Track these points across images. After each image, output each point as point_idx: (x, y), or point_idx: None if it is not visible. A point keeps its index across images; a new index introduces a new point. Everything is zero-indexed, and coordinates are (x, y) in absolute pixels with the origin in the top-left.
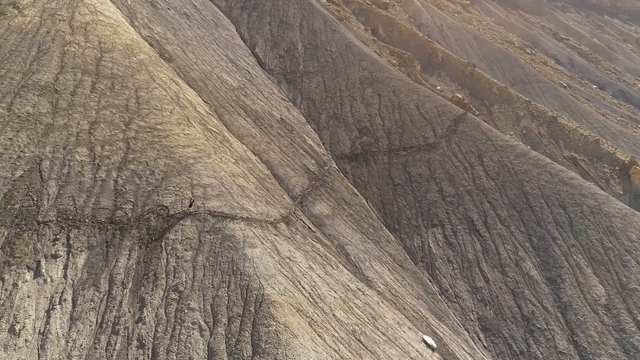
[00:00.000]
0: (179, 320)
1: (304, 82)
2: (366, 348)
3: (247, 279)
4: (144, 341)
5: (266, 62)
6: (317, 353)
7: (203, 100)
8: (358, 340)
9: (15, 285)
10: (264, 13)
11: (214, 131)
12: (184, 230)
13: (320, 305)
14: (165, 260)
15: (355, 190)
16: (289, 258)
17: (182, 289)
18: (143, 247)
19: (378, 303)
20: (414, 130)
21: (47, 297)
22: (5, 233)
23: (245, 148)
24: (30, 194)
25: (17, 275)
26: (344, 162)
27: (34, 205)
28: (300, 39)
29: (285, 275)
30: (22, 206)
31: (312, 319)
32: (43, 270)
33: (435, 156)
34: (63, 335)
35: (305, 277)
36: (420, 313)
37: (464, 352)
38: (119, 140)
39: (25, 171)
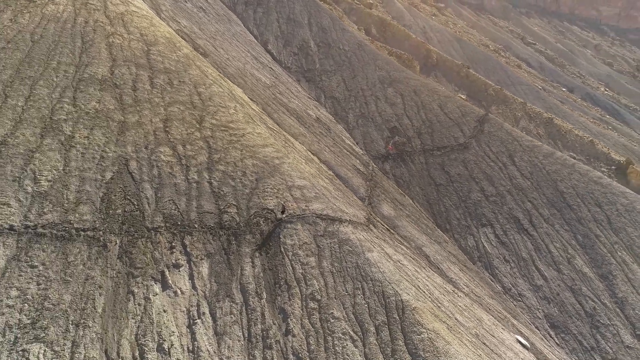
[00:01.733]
0: (328, 331)
1: (323, 80)
2: (493, 352)
3: (380, 284)
4: (300, 354)
5: (281, 59)
6: (472, 357)
7: (249, 97)
8: (484, 343)
9: (147, 299)
10: (269, 9)
11: (274, 130)
12: (299, 235)
13: (442, 309)
14: (290, 267)
15: (400, 191)
16: (399, 261)
17: (318, 297)
18: (263, 253)
19: (472, 304)
20: (442, 130)
21: (183, 311)
22: (118, 241)
23: (304, 148)
24: (129, 197)
25: (145, 288)
26: (380, 162)
27: (136, 210)
28: (312, 37)
29: (407, 280)
30: (125, 211)
31: (447, 324)
32: (170, 282)
33: (469, 156)
34: (215, 352)
35: (418, 281)
36: (502, 313)
37: (548, 351)
38: (198, 139)
39: (114, 172)
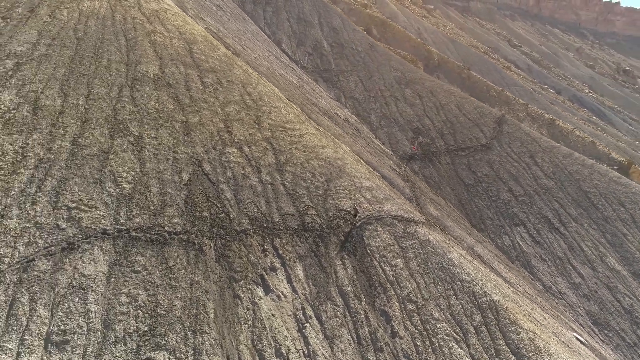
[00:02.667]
0: (432, 332)
1: (340, 80)
2: (572, 349)
3: (468, 285)
4: (411, 356)
5: (296, 59)
6: (568, 356)
7: (286, 97)
8: (562, 341)
9: (254, 303)
10: (278, 9)
11: (320, 131)
12: (381, 237)
13: (522, 308)
14: (381, 269)
15: (433, 191)
16: (471, 261)
17: (414, 299)
18: (351, 255)
19: (532, 304)
20: (464, 130)
21: (289, 315)
22: (212, 245)
23: (348, 148)
24: (211, 199)
25: (250, 292)
26: (407, 162)
27: (222, 213)
28: (324, 37)
29: (488, 281)
30: (211, 213)
31: (535, 323)
32: (271, 285)
33: (493, 157)
34: (330, 356)
35: (493, 281)
36: (554, 311)
37: (600, 347)
38: (260, 139)
39: (191, 174)
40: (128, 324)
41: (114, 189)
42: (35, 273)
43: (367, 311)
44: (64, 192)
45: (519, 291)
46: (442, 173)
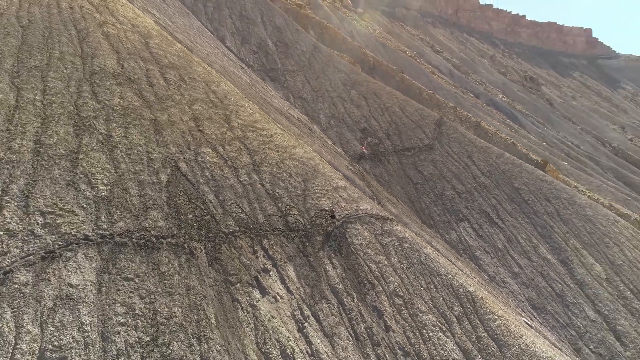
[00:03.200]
0: (420, 324)
1: (288, 80)
2: (533, 334)
3: (446, 278)
4: (405, 349)
5: (242, 57)
6: (534, 339)
7: (244, 96)
8: (523, 326)
9: (253, 306)
10: (220, 4)
11: (284, 130)
12: (362, 235)
13: (489, 297)
14: (367, 267)
15: (386, 190)
16: (445, 256)
17: (401, 293)
18: (337, 254)
19: (487, 294)
20: (408, 132)
21: (288, 316)
22: (202, 248)
23: (310, 148)
24: (194, 201)
25: (247, 295)
26: (359, 162)
27: (207, 215)
28: (268, 35)
29: (459, 272)
30: (196, 216)
31: (503, 311)
32: (266, 287)
33: (436, 157)
34: (332, 353)
35: (465, 274)
36: (502, 299)
37: (541, 329)
38: (233, 139)
39: (169, 175)
40: (128, 334)
41: (90, 192)
42: (16, 285)
43: (360, 308)
44: (35, 195)
45: (477, 282)
46: (392, 172)
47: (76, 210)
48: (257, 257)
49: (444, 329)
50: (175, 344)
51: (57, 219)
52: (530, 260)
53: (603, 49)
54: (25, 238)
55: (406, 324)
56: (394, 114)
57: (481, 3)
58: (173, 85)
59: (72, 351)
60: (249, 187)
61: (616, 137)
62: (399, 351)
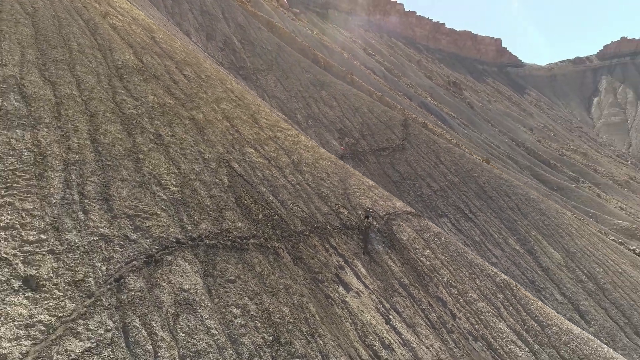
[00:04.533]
0: (477, 311)
1: (259, 79)
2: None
3: (482, 268)
4: (473, 334)
5: (210, 54)
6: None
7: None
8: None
9: (344, 302)
10: None
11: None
12: (406, 231)
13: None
14: (419, 260)
15: None
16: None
17: (454, 283)
18: (392, 249)
19: None
20: (380, 132)
21: (373, 309)
22: (283, 247)
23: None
24: (258, 201)
25: (336, 291)
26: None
27: (275, 215)
28: (232, 33)
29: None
30: (266, 216)
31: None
32: (348, 283)
33: (409, 156)
34: (419, 342)
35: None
36: None
37: None
38: (267, 139)
39: (227, 175)
40: (253, 336)
41: (163, 193)
42: (132, 292)
43: (427, 299)
44: (114, 198)
45: None
46: (373, 172)
47: (159, 213)
48: (330, 255)
49: (496, 314)
50: (296, 342)
51: (145, 222)
52: (503, 251)
53: (511, 57)
54: (122, 243)
55: (466, 312)
56: (364, 115)
57: (406, 10)
58: (194, 83)
59: (210, 356)
60: (297, 186)
61: (527, 138)
62: (469, 336)
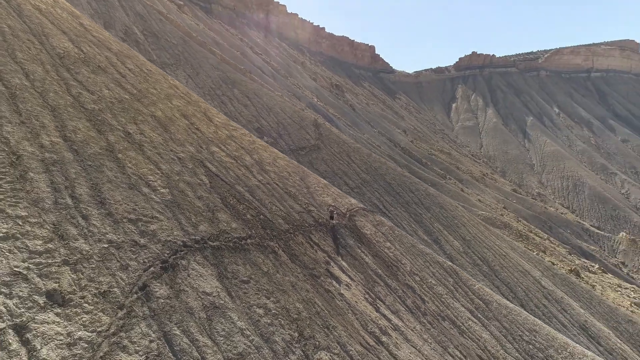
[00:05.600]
0: (438, 294)
1: (169, 75)
2: None
3: (431, 256)
4: (440, 314)
5: None
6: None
7: None
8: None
9: (341, 294)
10: None
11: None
12: (367, 226)
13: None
14: (384, 252)
15: None
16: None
17: (415, 272)
18: (360, 243)
19: None
20: (295, 132)
21: (363, 300)
22: (277, 246)
23: None
24: (241, 201)
25: (332, 285)
26: None
27: (260, 214)
28: (133, 23)
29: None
30: (252, 216)
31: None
32: (338, 277)
33: (325, 155)
34: (405, 326)
35: None
36: None
37: None
38: (226, 138)
39: (206, 176)
40: (281, 333)
41: (155, 195)
42: (162, 300)
43: (400, 286)
44: (108, 201)
45: None
46: None
47: (158, 216)
48: (316, 251)
49: (452, 296)
50: (317, 335)
51: (149, 226)
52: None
53: (384, 64)
54: (133, 249)
55: (431, 296)
56: (278, 115)
57: (289, 11)
58: (140, 77)
59: (252, 356)
60: (268, 186)
61: (402, 139)
62: (438, 317)
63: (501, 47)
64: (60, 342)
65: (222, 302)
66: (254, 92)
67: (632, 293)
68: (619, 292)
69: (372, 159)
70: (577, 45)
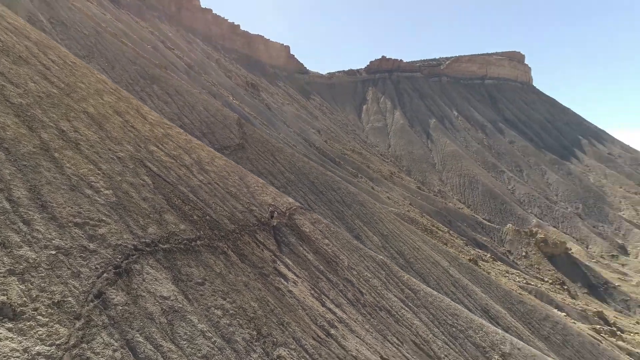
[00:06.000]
0: (373, 287)
1: None
2: None
3: (364, 251)
4: (377, 304)
5: None
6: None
7: None
8: None
9: (290, 292)
10: None
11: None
12: (305, 224)
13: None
14: (323, 249)
15: None
16: None
17: (352, 266)
18: (301, 241)
19: None
20: (219, 131)
21: (309, 295)
22: (226, 246)
23: None
24: (186, 202)
25: (280, 283)
26: None
27: (206, 215)
28: (37, 8)
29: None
30: (198, 216)
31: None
32: (285, 274)
33: (250, 155)
34: (349, 317)
35: None
36: None
37: None
38: (162, 137)
39: (148, 176)
40: (241, 333)
41: (99, 197)
42: (120, 307)
43: (340, 281)
44: (50, 204)
45: None
46: None
47: (105, 219)
48: (262, 251)
49: (385, 287)
50: (274, 332)
51: (97, 230)
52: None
53: (298, 64)
54: (83, 255)
55: (368, 288)
56: (201, 113)
57: (202, 7)
58: (66, 70)
59: (216, 357)
60: (210, 186)
61: (317, 139)
62: (376, 308)
63: (408, 52)
64: (17, 358)
65: (180, 305)
66: (175, 89)
67: (517, 277)
68: (507, 277)
69: (295, 158)
70: (474, 55)
